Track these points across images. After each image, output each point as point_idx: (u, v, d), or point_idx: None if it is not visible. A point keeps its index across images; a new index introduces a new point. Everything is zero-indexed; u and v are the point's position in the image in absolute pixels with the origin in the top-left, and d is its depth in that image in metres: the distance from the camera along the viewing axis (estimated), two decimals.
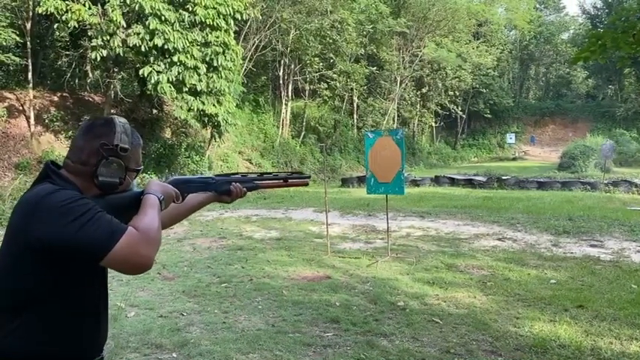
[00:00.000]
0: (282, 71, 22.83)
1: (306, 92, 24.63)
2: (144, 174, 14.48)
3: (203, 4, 13.51)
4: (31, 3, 13.03)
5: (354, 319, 4.93)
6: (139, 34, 12.68)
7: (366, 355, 4.10)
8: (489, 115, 39.72)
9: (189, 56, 13.38)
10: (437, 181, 19.59)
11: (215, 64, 14.05)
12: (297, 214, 12.43)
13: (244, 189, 1.94)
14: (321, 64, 24.00)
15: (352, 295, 5.72)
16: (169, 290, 5.95)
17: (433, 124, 35.76)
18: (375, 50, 28.01)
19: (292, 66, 23.13)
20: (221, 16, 13.95)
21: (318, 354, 4.17)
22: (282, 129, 22.87)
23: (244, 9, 14.91)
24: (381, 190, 7.78)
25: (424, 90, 32.18)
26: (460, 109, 35.69)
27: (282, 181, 2.01)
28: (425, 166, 29.99)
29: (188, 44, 13.33)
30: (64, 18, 12.06)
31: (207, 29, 13.83)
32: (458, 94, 34.70)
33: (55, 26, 13.46)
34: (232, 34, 14.88)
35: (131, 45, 12.68)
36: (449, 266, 7.02)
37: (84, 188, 1.52)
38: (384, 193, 7.95)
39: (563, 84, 50.08)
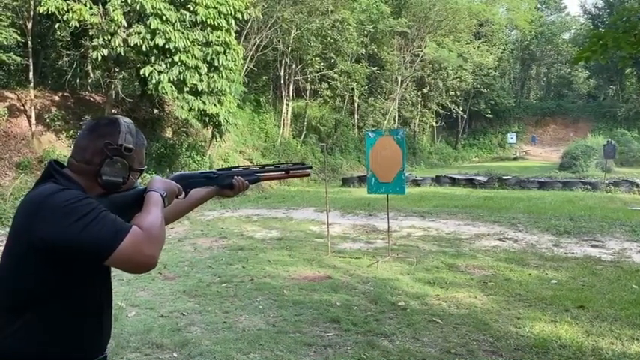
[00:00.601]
0: (283, 71, 22.83)
1: (307, 92, 24.62)
2: (145, 174, 14.48)
3: (204, 4, 13.50)
4: (32, 3, 13.03)
5: (355, 319, 4.93)
6: (140, 33, 12.68)
7: (366, 355, 4.10)
8: (490, 115, 39.71)
9: (190, 56, 13.38)
10: (438, 181, 19.58)
11: (216, 64, 14.04)
12: (297, 213, 12.44)
13: (246, 182, 1.93)
14: (322, 63, 23.99)
15: (353, 295, 5.72)
16: (170, 290, 5.96)
17: (434, 124, 35.74)
18: (376, 50, 28.00)
19: (293, 66, 23.13)
20: (222, 16, 13.94)
21: (319, 354, 4.18)
22: (283, 129, 22.87)
23: (245, 9, 14.90)
24: (382, 190, 7.78)
25: (425, 90, 32.16)
26: (461, 109, 35.66)
27: (283, 172, 2.00)
28: (426, 166, 29.99)
29: (189, 44, 13.33)
30: (65, 17, 12.05)
31: (208, 29, 13.83)
32: (459, 94, 34.70)
33: (56, 26, 13.45)
34: (233, 34, 14.87)
35: (132, 45, 12.68)
36: (450, 266, 7.02)
37: (87, 187, 1.53)
38: (384, 193, 7.95)
39: (565, 84, 50.04)
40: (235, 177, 1.90)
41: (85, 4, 12.34)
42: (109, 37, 12.55)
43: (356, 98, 27.89)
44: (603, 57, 4.67)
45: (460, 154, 37.55)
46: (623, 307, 5.15)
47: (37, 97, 14.02)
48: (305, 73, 23.79)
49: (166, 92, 13.43)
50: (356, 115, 28.38)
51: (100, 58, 12.77)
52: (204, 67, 13.76)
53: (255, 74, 22.22)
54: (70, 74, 15.42)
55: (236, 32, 15.68)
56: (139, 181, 1.72)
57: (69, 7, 12.01)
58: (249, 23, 19.03)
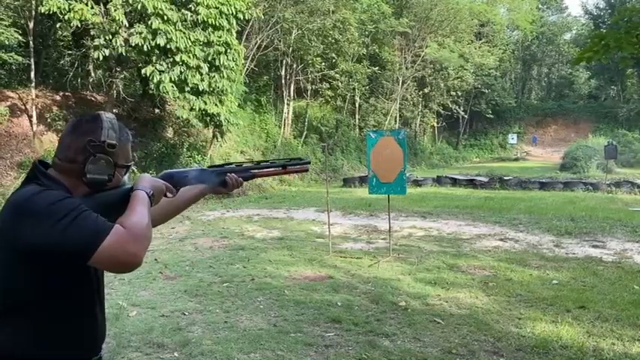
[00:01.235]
0: (284, 71, 22.83)
1: (308, 92, 24.62)
2: (146, 173, 14.48)
3: (205, 4, 13.51)
4: (33, 2, 13.03)
5: (356, 319, 4.93)
6: (141, 33, 12.68)
7: (367, 355, 4.10)
8: (491, 116, 39.69)
9: (191, 56, 13.38)
10: (439, 181, 19.57)
11: (217, 64, 14.05)
12: (298, 213, 12.44)
13: (240, 179, 1.88)
14: (323, 64, 23.99)
15: (354, 295, 5.72)
16: (171, 290, 5.96)
17: (435, 125, 35.73)
18: (377, 50, 27.99)
19: (294, 66, 23.12)
20: (223, 16, 13.95)
21: (320, 354, 4.17)
22: (284, 129, 22.86)
23: (246, 9, 14.90)
24: (383, 190, 7.78)
25: (426, 90, 32.14)
26: (462, 109, 35.65)
27: (280, 168, 1.94)
28: (427, 166, 29.98)
29: (190, 44, 13.34)
30: (66, 17, 12.06)
31: (210, 29, 13.83)
32: (460, 94, 34.68)
33: (58, 25, 13.47)
34: (234, 34, 14.88)
35: (133, 44, 12.69)
36: (451, 266, 7.01)
37: (72, 187, 1.50)
38: (386, 194, 7.95)
39: (566, 84, 50.00)
40: (228, 174, 1.86)
41: (87, 4, 12.35)
42: (111, 37, 12.56)
43: (357, 98, 27.87)
44: (605, 57, 4.66)
45: (461, 155, 37.53)
46: (624, 308, 5.15)
47: (39, 96, 14.03)
48: (306, 73, 23.79)
49: (167, 92, 13.44)
50: (357, 115, 28.38)
51: (101, 58, 12.78)
52: (205, 67, 13.76)
53: (257, 74, 22.22)
54: (71, 74, 15.43)
55: (237, 32, 15.69)
56: (127, 177, 1.68)
57: (70, 7, 12.01)
58: (251, 23, 19.03)
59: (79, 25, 12.58)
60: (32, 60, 13.56)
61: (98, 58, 12.75)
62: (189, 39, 13.32)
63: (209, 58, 13.89)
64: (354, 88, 26.47)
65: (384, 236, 8.98)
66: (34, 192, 1.40)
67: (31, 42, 13.45)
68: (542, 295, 5.62)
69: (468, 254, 7.81)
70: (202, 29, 13.75)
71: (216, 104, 14.41)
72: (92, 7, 12.45)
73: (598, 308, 5.15)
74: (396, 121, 30.41)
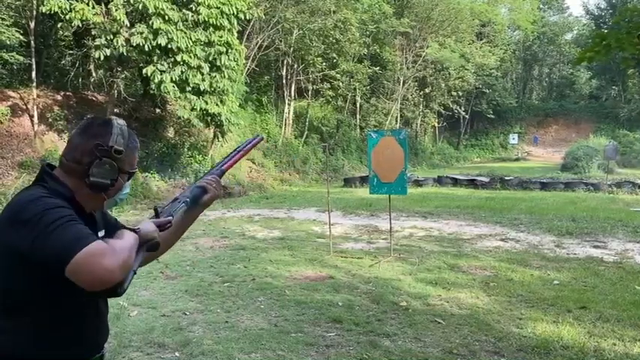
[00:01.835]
0: (285, 71, 22.83)
1: (309, 92, 24.61)
2: (146, 174, 14.50)
3: (206, 4, 13.52)
4: (34, 2, 13.05)
5: (357, 319, 4.93)
6: (142, 33, 12.69)
7: (368, 356, 4.10)
8: (492, 116, 39.68)
9: (192, 56, 13.39)
10: (439, 181, 19.56)
11: (218, 64, 14.06)
12: (299, 213, 12.44)
13: (215, 177, 1.87)
14: (324, 64, 23.99)
15: (355, 295, 5.72)
16: (172, 289, 5.96)
17: (436, 125, 35.73)
18: (378, 50, 28.00)
19: (295, 66, 23.12)
20: (224, 16, 13.96)
21: (321, 354, 4.17)
22: (285, 129, 22.87)
23: (247, 9, 14.91)
24: (384, 190, 7.78)
25: (427, 90, 32.13)
26: (463, 109, 35.64)
27: (238, 152, 2.01)
28: (427, 166, 29.97)
29: (191, 44, 13.35)
30: (67, 17, 12.07)
31: (211, 29, 13.84)
32: (461, 94, 34.68)
33: (59, 25, 13.48)
34: (235, 34, 14.89)
35: (134, 44, 12.70)
36: (451, 267, 7.01)
37: (75, 187, 1.51)
38: (386, 194, 7.95)
39: (567, 85, 49.96)
40: (200, 181, 1.84)
41: (88, 4, 12.37)
42: (112, 37, 12.57)
43: (358, 98, 27.88)
44: (606, 57, 4.66)
45: (462, 155, 37.52)
46: (625, 309, 5.14)
47: (40, 96, 14.04)
48: (307, 73, 23.79)
49: (168, 92, 13.45)
50: (358, 115, 28.38)
51: (102, 58, 12.79)
52: (206, 67, 13.78)
53: (257, 74, 22.23)
54: (72, 74, 15.44)
55: (238, 32, 15.70)
56: (128, 183, 1.69)
57: (71, 7, 12.03)
58: (252, 23, 19.04)
59: (80, 25, 12.59)
60: (33, 60, 13.57)
61: (99, 57, 12.76)
62: (191, 39, 13.33)
63: (210, 58, 13.91)
64: (355, 88, 26.48)
65: (385, 236, 8.98)
66: (31, 199, 1.41)
67: (32, 42, 13.46)
68: (543, 296, 5.61)
69: (469, 254, 7.80)
70: (203, 29, 13.76)
71: (217, 104, 14.41)
72: (93, 7, 12.46)
73: (599, 308, 5.15)
74: (397, 121, 30.41)
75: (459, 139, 39.57)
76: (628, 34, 4.40)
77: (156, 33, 12.72)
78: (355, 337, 4.49)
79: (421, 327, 4.72)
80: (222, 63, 14.06)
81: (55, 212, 1.36)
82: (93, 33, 12.78)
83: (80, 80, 16.52)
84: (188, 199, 1.77)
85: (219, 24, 13.84)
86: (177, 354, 4.16)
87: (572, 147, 26.73)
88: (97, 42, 12.61)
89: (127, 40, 12.73)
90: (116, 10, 12.38)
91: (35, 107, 13.46)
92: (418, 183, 19.06)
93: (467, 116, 37.74)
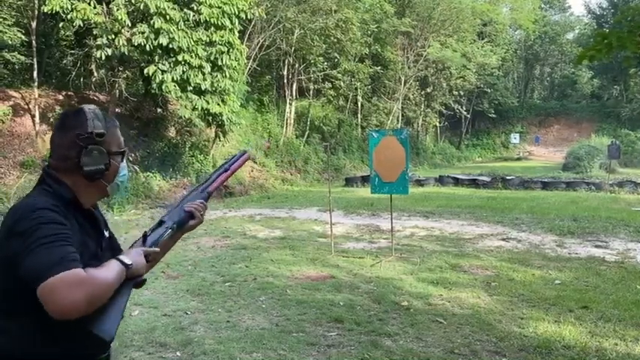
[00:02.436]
0: (286, 71, 22.83)
1: (311, 92, 24.61)
2: (147, 173, 14.51)
3: (208, 4, 13.52)
4: (36, 2, 13.06)
5: (358, 318, 4.93)
6: (143, 33, 12.70)
7: (369, 355, 4.10)
8: (494, 115, 39.65)
9: (193, 55, 13.39)
10: (441, 181, 19.56)
11: (219, 64, 14.06)
12: (300, 213, 12.44)
13: (200, 202, 1.83)
14: (325, 63, 23.98)
15: (356, 295, 5.72)
16: (173, 289, 5.96)
17: (437, 124, 35.70)
18: (379, 50, 27.97)
19: (296, 65, 23.12)
20: (226, 16, 13.95)
21: (322, 354, 4.17)
22: (286, 128, 22.86)
23: (249, 8, 14.90)
24: (385, 189, 7.77)
25: (428, 90, 32.11)
26: (464, 108, 35.62)
27: (225, 171, 1.94)
28: (429, 166, 29.96)
29: (193, 43, 13.34)
30: (69, 17, 12.08)
31: (212, 28, 13.84)
32: (462, 93, 34.65)
33: (60, 25, 13.49)
34: (237, 34, 14.88)
35: (136, 44, 12.70)
36: (453, 266, 7.01)
37: (75, 185, 1.53)
38: (388, 193, 7.95)
39: (568, 84, 49.89)
40: (187, 206, 1.79)
41: (89, 4, 12.37)
42: (113, 37, 12.57)
43: (359, 98, 27.87)
44: (607, 56, 4.65)
45: (463, 154, 37.51)
46: (627, 308, 5.13)
47: (41, 96, 14.05)
48: (308, 72, 23.78)
49: (170, 92, 13.46)
50: (359, 115, 28.37)
51: (103, 58, 12.79)
52: (207, 67, 13.77)
53: (259, 74, 22.23)
54: (73, 73, 15.45)
55: (239, 32, 15.69)
56: (125, 164, 1.68)
57: (73, 7, 12.03)
58: (253, 23, 19.03)
59: (82, 25, 12.60)
60: (35, 59, 13.58)
61: (101, 57, 12.77)
62: (192, 38, 13.33)
63: (211, 58, 13.90)
64: (356, 88, 26.47)
65: (387, 236, 8.97)
66: (31, 209, 1.41)
67: (33, 41, 13.47)
68: (544, 295, 5.61)
69: (471, 254, 7.80)
70: (205, 29, 13.76)
71: (218, 104, 14.41)
72: (95, 7, 12.47)
73: (601, 308, 5.14)
74: (398, 120, 30.39)
75: (460, 138, 39.55)
76: (630, 33, 4.39)
77: (157, 33, 12.72)
78: (356, 337, 4.49)
79: (422, 327, 4.72)
80: (224, 62, 14.06)
81: (47, 228, 1.36)
82: (94, 32, 12.78)
83: (82, 80, 16.53)
84: (175, 225, 1.75)
85: (220, 23, 13.84)
86: (178, 353, 4.16)
87: (574, 146, 26.70)
88: (99, 41, 12.61)
89: (129, 40, 12.73)
90: (117, 9, 12.38)
91: (37, 107, 13.47)
92: (419, 183, 19.06)
93: (468, 116, 37.72)
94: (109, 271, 1.44)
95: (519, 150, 38.88)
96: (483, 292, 5.77)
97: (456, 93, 33.74)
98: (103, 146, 1.55)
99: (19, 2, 13.12)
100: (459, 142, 39.33)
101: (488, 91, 38.07)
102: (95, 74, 15.83)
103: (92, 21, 12.39)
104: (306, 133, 23.48)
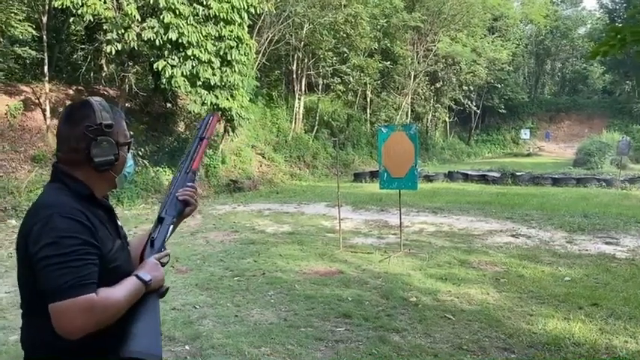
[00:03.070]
0: (295, 65, 22.79)
1: (320, 87, 24.56)
2: (157, 168, 14.57)
3: None
4: None
5: (366, 314, 4.93)
6: (153, 27, 12.72)
7: (378, 351, 4.10)
8: (504, 111, 39.37)
9: (203, 50, 13.40)
10: (450, 176, 19.47)
11: (229, 58, 14.05)
12: (309, 208, 12.45)
13: (190, 186, 1.81)
14: (334, 58, 23.90)
15: (364, 290, 5.72)
16: (182, 283, 6.00)
17: (447, 120, 35.51)
18: (389, 45, 27.83)
19: (306, 60, 23.07)
20: (235, 10, 13.93)
21: (330, 349, 4.18)
22: (295, 123, 22.85)
23: (258, 3, 14.88)
24: (394, 185, 7.76)
25: (438, 85, 31.93)
26: (474, 104, 35.40)
27: (200, 140, 1.89)
28: (438, 161, 29.84)
29: (202, 38, 13.35)
30: (79, 12, 12.12)
31: (221, 23, 13.83)
32: (472, 89, 34.41)
33: (71, 20, 13.54)
34: (246, 28, 14.86)
35: (145, 39, 12.73)
36: (462, 262, 6.99)
37: (87, 178, 1.55)
38: (397, 189, 7.93)
39: (580, 79, 49.44)
40: (177, 193, 1.78)
41: None
42: (123, 31, 12.61)
43: (368, 93, 27.78)
44: (620, 51, 4.59)
45: (473, 150, 37.29)
46: (638, 306, 5.10)
47: (52, 90, 14.13)
48: (317, 67, 23.73)
49: (179, 86, 13.48)
50: (368, 110, 28.29)
51: (113, 52, 12.84)
52: (217, 62, 13.78)
53: (268, 69, 22.21)
54: (84, 68, 15.53)
55: (249, 26, 15.67)
56: (131, 155, 1.70)
57: (83, 2, 12.06)
58: (262, 17, 18.99)
59: (92, 20, 12.64)
60: (46, 54, 13.65)
61: (111, 52, 12.81)
62: (201, 33, 13.34)
63: (221, 53, 13.90)
64: (365, 83, 26.36)
65: (395, 231, 8.96)
66: (52, 215, 1.43)
67: (44, 36, 13.53)
68: (554, 292, 5.58)
69: (480, 250, 7.77)
70: (214, 23, 13.75)
71: (227, 99, 14.42)
72: (105, 2, 12.49)
73: (611, 305, 5.11)
74: (407, 115, 30.27)
75: (470, 134, 39.33)
76: None
77: (167, 27, 12.74)
78: (365, 332, 4.49)
79: (431, 322, 4.72)
80: (233, 57, 14.06)
81: (64, 244, 1.40)
82: (104, 27, 12.83)
83: (92, 75, 16.61)
84: (175, 219, 1.77)
85: (229, 18, 13.83)
86: (187, 347, 4.18)
87: (585, 142, 26.43)
88: (109, 36, 12.66)
89: (138, 35, 12.76)
90: (127, 4, 12.40)
91: (47, 101, 13.55)
92: (428, 178, 18.98)
93: (478, 111, 37.49)
94: (124, 290, 1.49)
95: (529, 146, 38.60)
96: (492, 289, 5.75)
97: (466, 88, 33.50)
98: (112, 137, 1.57)
99: None
100: (469, 138, 39.11)
101: (499, 86, 37.79)
102: (105, 69, 15.91)
103: (102, 16, 12.43)
104: (315, 128, 23.46)
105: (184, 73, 13.28)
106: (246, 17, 14.52)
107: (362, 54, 24.98)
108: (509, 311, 5.01)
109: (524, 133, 38.42)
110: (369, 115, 28.27)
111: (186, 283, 6.02)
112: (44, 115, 13.54)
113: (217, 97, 14.11)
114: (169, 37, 12.77)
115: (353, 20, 22.54)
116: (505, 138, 41.35)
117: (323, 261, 7.15)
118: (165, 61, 13.13)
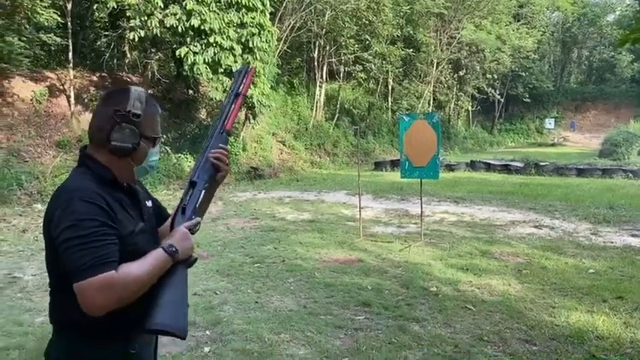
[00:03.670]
0: (316, 53, 22.67)
1: (341, 74, 24.42)
2: (179, 154, 14.69)
3: None
4: None
5: (386, 303, 4.92)
6: (175, 14, 12.77)
7: (397, 340, 4.09)
8: (528, 100, 38.67)
9: (225, 37, 13.41)
10: (472, 166, 19.26)
11: (250, 46, 14.04)
12: (329, 196, 12.44)
13: (220, 147, 1.82)
14: (356, 45, 23.71)
15: (384, 279, 5.71)
16: (203, 269, 6.05)
17: (469, 108, 35.05)
18: (411, 32, 27.48)
19: (327, 47, 22.93)
20: None
21: (349, 337, 4.18)
22: (316, 111, 22.79)
23: None
24: (416, 174, 7.70)
25: (461, 73, 31.47)
26: (498, 92, 34.82)
27: (235, 97, 1.85)
28: (460, 150, 29.53)
29: (224, 25, 13.35)
30: None
31: (243, 10, 13.81)
32: (496, 77, 33.83)
33: (95, 7, 13.68)
34: (268, 15, 14.82)
35: (168, 26, 12.79)
36: (483, 253, 6.92)
37: (108, 161, 1.58)
38: (418, 178, 7.87)
39: (607, 68, 48.28)
40: (209, 155, 1.78)
41: None
42: (146, 18, 12.68)
43: (390, 81, 27.52)
44: None
45: (496, 139, 36.78)
46: None
47: (76, 77, 14.30)
48: (339, 55, 23.57)
49: (201, 73, 13.53)
50: (389, 98, 28.06)
51: (136, 39, 12.94)
52: (238, 49, 13.78)
53: (289, 56, 22.13)
54: (107, 55, 15.66)
55: (271, 13, 15.62)
56: (157, 149, 1.70)
57: None
58: (284, 4, 18.92)
59: (116, 7, 12.74)
60: (70, 41, 13.80)
61: (134, 39, 12.91)
62: (223, 20, 13.34)
63: (242, 40, 13.90)
64: (387, 71, 26.12)
65: (416, 221, 8.91)
66: (73, 198, 1.46)
67: (69, 23, 13.67)
68: (577, 284, 5.49)
69: (502, 241, 7.69)
70: (236, 10, 13.74)
71: (249, 86, 14.42)
72: None
73: (636, 299, 5.01)
74: (429, 104, 29.97)
75: (493, 123, 38.76)
76: None
77: (189, 14, 12.77)
78: (384, 321, 4.48)
79: (451, 313, 4.69)
80: (255, 44, 14.04)
81: (83, 226, 1.43)
82: (128, 14, 12.91)
83: (115, 61, 16.75)
84: (207, 183, 1.75)
85: (251, 5, 13.80)
86: (208, 332, 4.23)
87: (611, 132, 25.85)
88: (132, 23, 12.75)
89: (161, 22, 12.82)
90: None
91: (72, 88, 13.72)
92: (450, 167, 18.81)
93: (502, 100, 36.90)
94: (147, 265, 1.51)
95: (554, 135, 37.94)
96: (514, 280, 5.69)
97: (490, 76, 32.96)
98: (138, 127, 1.59)
99: None
100: (492, 127, 38.56)
101: (523, 74, 37.10)
102: (128, 56, 16.03)
103: (126, 3, 12.51)
104: (336, 116, 23.37)
105: (206, 60, 13.32)
106: (268, 4, 14.48)
107: (384, 41, 24.72)
108: (531, 303, 4.95)
109: (549, 123, 37.71)
110: (390, 104, 28.04)
111: (207, 268, 6.08)
112: (68, 102, 13.71)
113: None
114: (192, 24, 12.80)
115: (375, 7, 22.30)
116: (529, 127, 40.68)
117: (343, 249, 7.15)
118: (187, 47, 13.18)
